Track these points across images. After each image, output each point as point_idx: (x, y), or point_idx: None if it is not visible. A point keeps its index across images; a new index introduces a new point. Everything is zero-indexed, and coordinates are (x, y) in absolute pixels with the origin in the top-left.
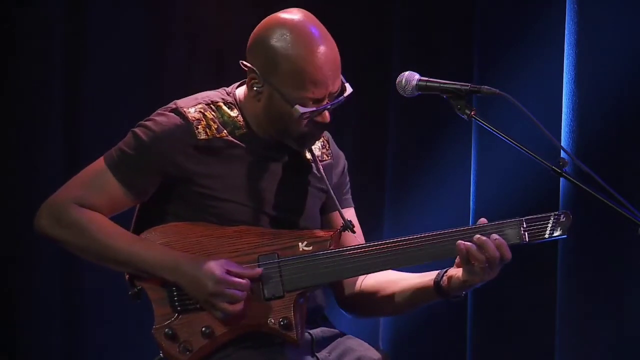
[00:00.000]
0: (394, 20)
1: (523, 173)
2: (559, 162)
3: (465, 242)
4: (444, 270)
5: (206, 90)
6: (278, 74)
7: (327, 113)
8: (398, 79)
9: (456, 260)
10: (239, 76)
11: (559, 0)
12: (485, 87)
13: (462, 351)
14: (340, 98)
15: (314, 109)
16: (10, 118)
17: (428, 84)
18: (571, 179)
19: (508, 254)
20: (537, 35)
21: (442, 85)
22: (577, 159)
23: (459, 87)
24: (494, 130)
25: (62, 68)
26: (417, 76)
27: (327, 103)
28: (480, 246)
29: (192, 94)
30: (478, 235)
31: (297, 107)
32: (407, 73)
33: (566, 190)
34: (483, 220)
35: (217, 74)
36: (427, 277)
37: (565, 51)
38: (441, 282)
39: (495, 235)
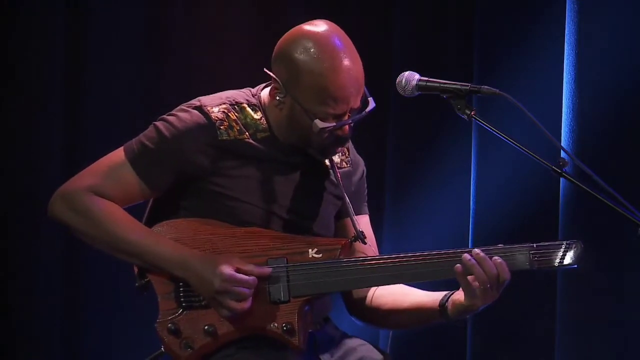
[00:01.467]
0: (394, 20)
1: (523, 173)
2: (559, 162)
3: (463, 264)
4: (451, 292)
5: (206, 91)
6: (300, 88)
7: (347, 127)
8: (398, 79)
9: None
10: (239, 77)
11: (559, 0)
12: (485, 87)
13: (462, 351)
14: (362, 113)
15: (334, 124)
16: (10, 118)
17: (428, 84)
18: (571, 179)
19: (506, 274)
20: (537, 35)
21: (442, 85)
22: (577, 159)
23: (459, 87)
24: (494, 130)
25: (62, 68)
26: (417, 76)
27: (347, 118)
28: (480, 262)
29: (192, 96)
30: (477, 251)
31: (317, 121)
32: (407, 73)
33: (566, 190)
34: (499, 245)
35: (218, 74)
36: (433, 298)
37: (565, 51)
38: (446, 305)
39: (494, 257)
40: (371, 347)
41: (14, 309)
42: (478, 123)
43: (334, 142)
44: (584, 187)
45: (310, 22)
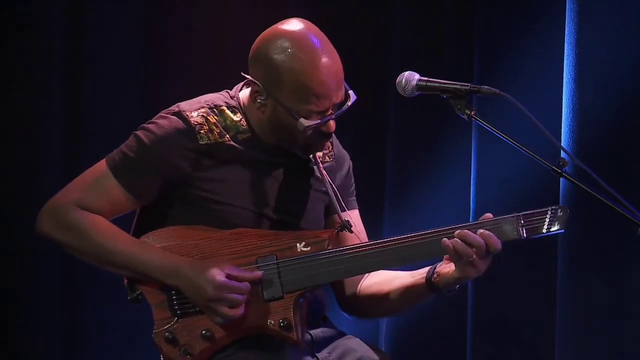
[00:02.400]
0: (394, 20)
1: (523, 173)
2: (559, 162)
3: (450, 240)
4: (434, 266)
5: (206, 91)
6: (281, 88)
7: (332, 122)
8: (398, 79)
9: (445, 256)
10: (239, 77)
11: (559, 0)
12: (485, 87)
13: (463, 351)
14: (344, 107)
15: (318, 121)
16: (10, 119)
17: (428, 84)
18: (571, 179)
19: (497, 244)
20: (537, 35)
21: (442, 85)
22: (577, 159)
23: (459, 87)
24: (494, 130)
25: (62, 68)
26: (417, 76)
27: (331, 113)
28: (464, 239)
29: (192, 95)
30: (458, 230)
31: (302, 120)
32: (407, 73)
33: (566, 190)
34: (488, 215)
35: (218, 74)
36: (418, 275)
37: (565, 51)
38: (433, 279)
39: (480, 230)
40: (369, 346)
41: (15, 309)
42: (478, 123)
43: (319, 138)
44: (584, 187)
45: (284, 21)
